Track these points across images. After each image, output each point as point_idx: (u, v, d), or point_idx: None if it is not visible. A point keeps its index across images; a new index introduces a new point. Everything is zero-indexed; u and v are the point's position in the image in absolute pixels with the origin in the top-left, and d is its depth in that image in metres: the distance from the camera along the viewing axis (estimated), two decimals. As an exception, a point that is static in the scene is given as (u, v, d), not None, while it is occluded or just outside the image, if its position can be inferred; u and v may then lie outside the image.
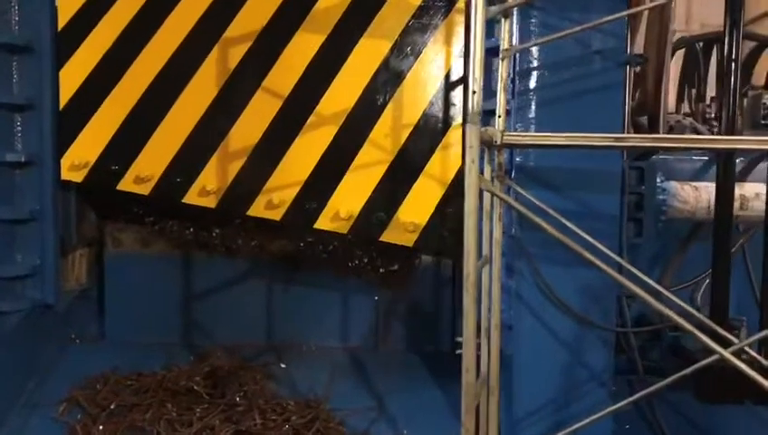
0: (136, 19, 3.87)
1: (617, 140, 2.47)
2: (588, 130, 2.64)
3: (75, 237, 4.16)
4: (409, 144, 3.83)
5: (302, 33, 3.85)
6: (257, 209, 3.87)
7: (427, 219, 3.79)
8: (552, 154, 3.22)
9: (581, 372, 3.38)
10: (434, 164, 3.82)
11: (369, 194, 3.82)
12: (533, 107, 3.24)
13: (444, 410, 3.84)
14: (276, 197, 3.83)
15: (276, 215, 3.86)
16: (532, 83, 3.26)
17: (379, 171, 3.83)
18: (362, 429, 3.68)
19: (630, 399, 2.83)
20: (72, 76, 3.89)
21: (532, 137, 2.50)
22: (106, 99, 3.90)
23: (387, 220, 3.80)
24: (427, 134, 3.83)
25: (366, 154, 3.84)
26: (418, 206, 3.79)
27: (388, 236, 3.81)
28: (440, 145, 3.83)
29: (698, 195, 4.11)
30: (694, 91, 5.53)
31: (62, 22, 3.84)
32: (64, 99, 3.88)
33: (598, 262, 2.35)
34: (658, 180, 3.98)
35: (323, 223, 3.83)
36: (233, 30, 3.86)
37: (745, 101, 4.92)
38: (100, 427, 3.69)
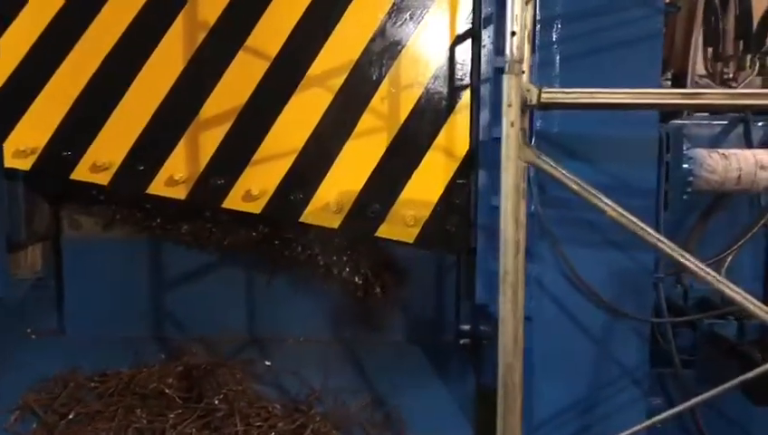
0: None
1: (686, 96, 2.01)
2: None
3: (25, 233, 3.69)
4: (407, 129, 3.39)
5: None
6: (234, 201, 3.40)
7: (429, 212, 3.37)
8: (580, 119, 2.76)
9: (612, 369, 2.98)
10: (436, 150, 3.39)
11: (363, 183, 3.38)
12: (558, 62, 2.76)
13: (450, 409, 3.48)
14: (256, 186, 3.37)
15: (256, 207, 3.40)
16: (557, 34, 2.78)
17: (374, 158, 3.39)
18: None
19: (678, 408, 2.42)
20: (13, 47, 3.38)
21: (578, 94, 2.04)
22: (54, 73, 3.40)
23: (383, 213, 3.35)
24: (431, 115, 3.38)
25: (358, 138, 3.39)
26: (420, 197, 3.37)
27: (386, 231, 3.38)
28: (445, 126, 3.39)
29: (728, 163, 3.67)
30: (710, 49, 5.11)
31: (-4, -18, 3.33)
32: (4, 74, 3.39)
33: (665, 246, 1.88)
34: (684, 148, 3.55)
35: (311, 216, 3.38)
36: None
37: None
38: (56, 436, 3.24)
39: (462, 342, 3.89)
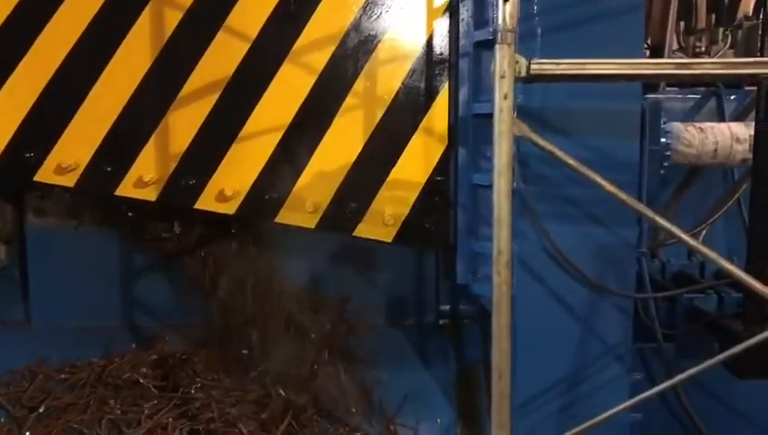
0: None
1: (680, 66, 1.95)
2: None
3: None
4: (386, 120, 3.28)
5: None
6: (207, 202, 3.26)
7: (408, 210, 3.29)
8: (562, 92, 2.72)
9: (595, 345, 2.96)
10: (414, 148, 3.29)
11: (340, 182, 3.27)
12: (539, 34, 2.70)
13: (431, 390, 3.44)
14: (229, 186, 3.24)
15: (230, 208, 3.27)
16: (538, 6, 2.71)
17: (351, 155, 3.27)
18: (341, 419, 3.20)
19: (663, 385, 2.41)
20: None
21: (568, 65, 1.97)
22: (15, 69, 3.18)
23: (361, 212, 3.27)
24: (408, 108, 3.27)
25: (335, 132, 3.26)
26: (398, 194, 3.28)
27: (363, 231, 3.28)
28: (423, 120, 3.29)
29: (704, 137, 3.68)
30: (682, 23, 5.10)
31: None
32: (-42, 70, 3.17)
33: (664, 223, 1.84)
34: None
35: (287, 216, 3.27)
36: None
37: (739, 32, 4.58)
38: (27, 433, 3.13)
39: (442, 322, 3.86)
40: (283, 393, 3.28)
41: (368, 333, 3.61)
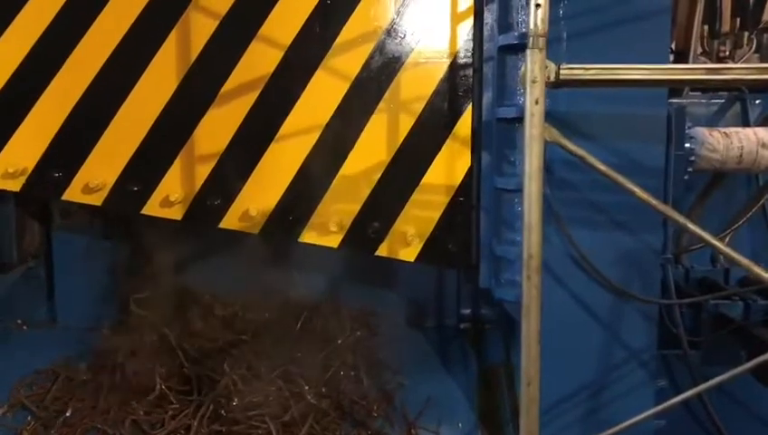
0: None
1: (710, 72, 1.94)
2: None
3: (16, 255, 3.58)
4: (409, 140, 3.30)
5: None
6: (231, 222, 3.30)
7: (430, 230, 3.30)
8: (588, 97, 2.69)
9: (619, 352, 2.93)
10: (439, 163, 3.31)
11: (363, 201, 3.29)
12: (565, 39, 2.69)
13: (453, 394, 3.42)
14: (254, 206, 3.28)
15: (254, 228, 3.31)
16: (564, 10, 2.70)
17: (374, 175, 3.30)
18: (363, 422, 3.19)
19: (690, 392, 2.38)
20: (1, 66, 3.22)
21: (598, 70, 1.96)
22: (44, 91, 3.25)
23: (383, 232, 3.29)
24: (433, 127, 3.29)
25: (358, 155, 3.29)
26: (420, 214, 3.30)
27: (386, 251, 3.32)
28: (447, 139, 3.30)
29: (729, 142, 3.63)
30: (706, 27, 5.05)
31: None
32: (-9, 93, 3.22)
33: (694, 229, 1.82)
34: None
35: (310, 236, 3.30)
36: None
37: (764, 36, 4.53)
38: (53, 432, 3.14)
39: (463, 326, 3.85)
40: (305, 397, 3.28)
41: (389, 336, 3.60)
